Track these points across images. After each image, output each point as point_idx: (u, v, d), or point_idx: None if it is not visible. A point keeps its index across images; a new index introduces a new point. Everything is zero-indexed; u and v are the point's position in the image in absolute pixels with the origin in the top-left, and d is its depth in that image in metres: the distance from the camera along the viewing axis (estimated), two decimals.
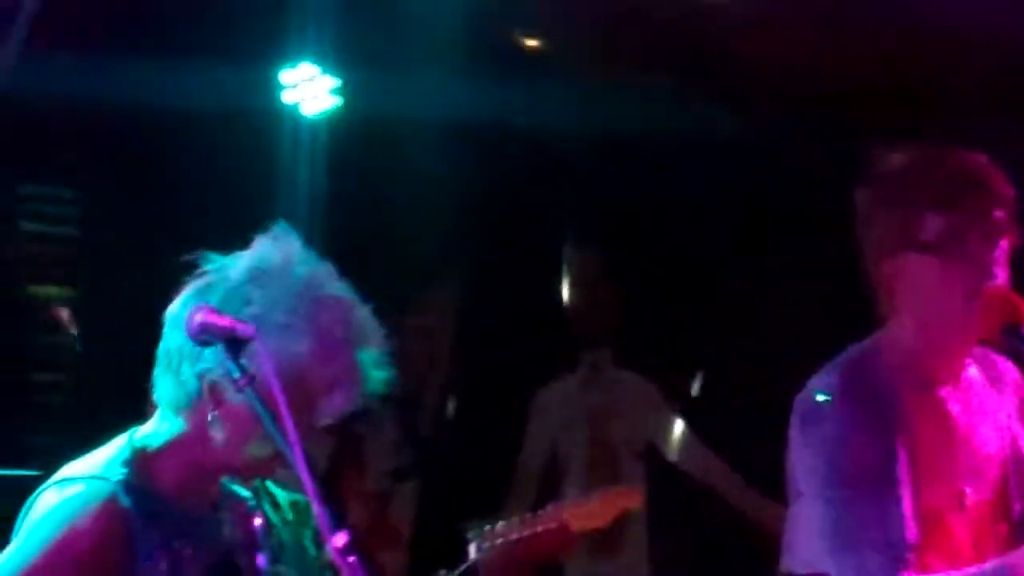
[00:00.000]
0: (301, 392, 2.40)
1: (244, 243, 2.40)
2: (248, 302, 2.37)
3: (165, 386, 2.49)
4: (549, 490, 4.67)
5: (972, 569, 2.87)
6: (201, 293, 2.38)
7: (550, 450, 4.89)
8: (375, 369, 2.45)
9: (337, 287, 2.44)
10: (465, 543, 3.41)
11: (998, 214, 2.87)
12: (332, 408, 2.45)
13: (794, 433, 2.97)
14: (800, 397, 2.95)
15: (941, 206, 2.82)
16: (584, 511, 3.43)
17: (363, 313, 2.44)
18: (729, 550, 5.01)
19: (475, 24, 4.68)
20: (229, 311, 2.31)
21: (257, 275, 2.41)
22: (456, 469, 4.82)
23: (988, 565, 2.89)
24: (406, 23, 4.76)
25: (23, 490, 2.75)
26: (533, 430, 4.94)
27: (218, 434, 2.47)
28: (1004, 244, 2.87)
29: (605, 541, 4.40)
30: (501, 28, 4.97)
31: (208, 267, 2.41)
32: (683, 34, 4.69)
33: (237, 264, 2.41)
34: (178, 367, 2.45)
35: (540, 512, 3.45)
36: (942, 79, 4.69)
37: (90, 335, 5.07)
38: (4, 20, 5.11)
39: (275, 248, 2.42)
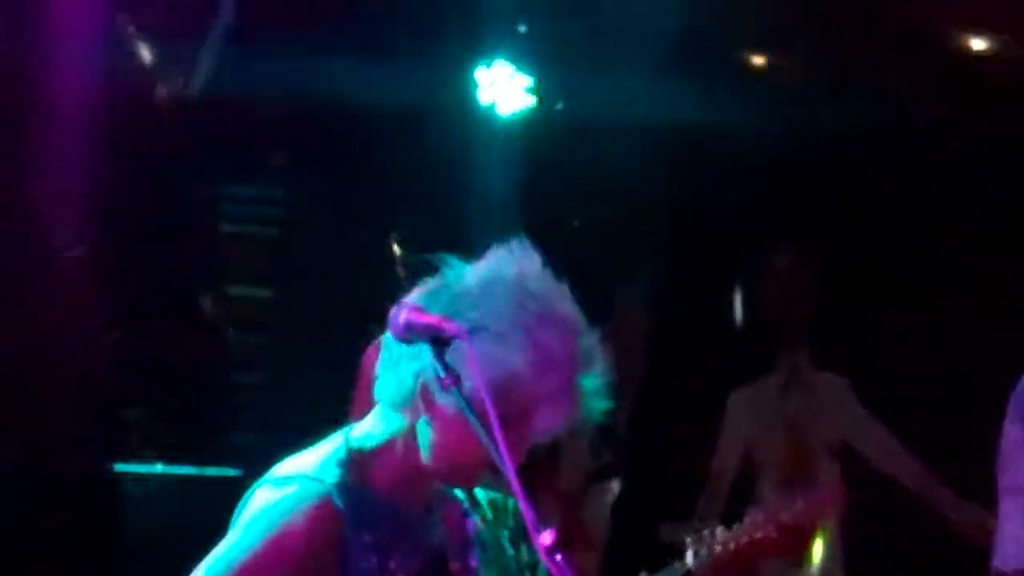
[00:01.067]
0: (510, 403, 2.41)
1: (442, 241, 2.44)
2: (473, 307, 2.40)
3: (386, 384, 2.54)
4: (741, 494, 4.74)
5: None
6: (431, 295, 2.41)
7: (745, 452, 4.97)
8: (595, 396, 2.48)
9: (568, 308, 2.46)
10: (681, 548, 3.27)
11: None
12: (543, 425, 2.47)
13: (1010, 427, 2.96)
14: (1019, 390, 2.95)
15: None
16: (791, 514, 3.52)
17: (590, 339, 2.45)
18: (924, 553, 5.04)
19: (672, 26, 4.81)
20: (451, 314, 2.34)
21: (487, 284, 2.44)
22: (650, 471, 4.90)
23: None
24: (601, 23, 4.89)
25: (225, 489, 3.04)
26: (728, 432, 5.04)
27: (427, 436, 2.52)
28: None
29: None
30: (713, 38, 5.14)
31: (444, 271, 2.45)
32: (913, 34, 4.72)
33: (471, 271, 2.45)
34: (397, 365, 2.49)
35: (753, 518, 3.31)
36: None
37: (288, 335, 5.22)
38: (204, 23, 5.42)
39: (511, 261, 2.45)
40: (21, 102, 4.98)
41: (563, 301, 2.49)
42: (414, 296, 2.41)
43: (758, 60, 5.50)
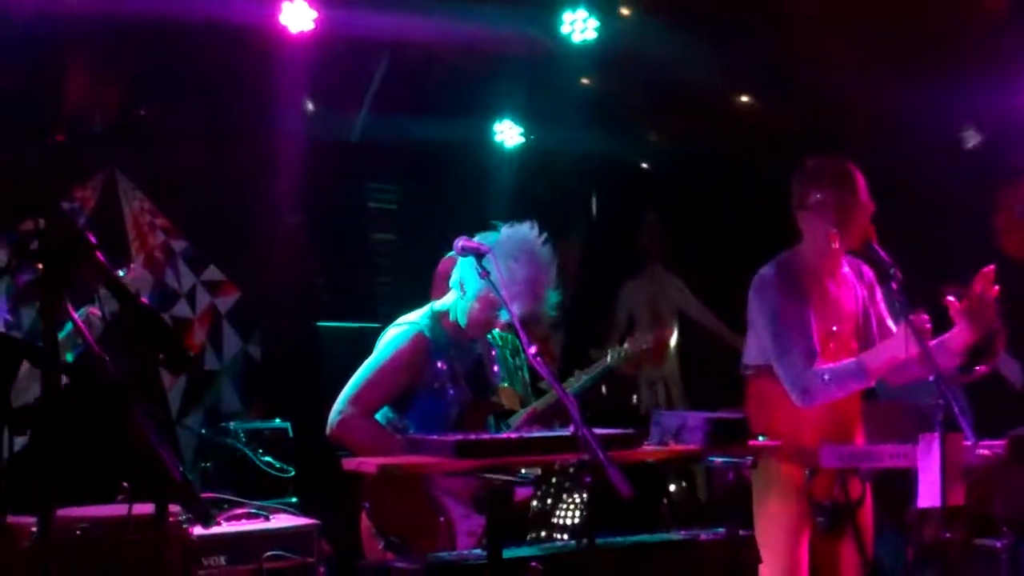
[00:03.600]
0: (517, 290, 3.95)
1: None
2: (496, 242, 4.00)
3: (456, 278, 4.25)
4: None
5: (839, 363, 4.17)
6: (480, 236, 4.01)
7: (628, 313, 7.96)
8: (552, 297, 4.10)
9: (542, 249, 4.10)
10: (602, 357, 5.15)
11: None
12: (531, 307, 4.03)
13: (752, 295, 4.34)
14: (755, 277, 4.32)
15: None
16: (654, 340, 5.57)
17: (552, 269, 4.06)
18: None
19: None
20: (486, 243, 3.88)
21: (506, 233, 4.10)
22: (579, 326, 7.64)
23: (849, 360, 4.18)
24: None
25: (370, 337, 4.34)
26: (621, 302, 7.98)
27: (472, 306, 4.19)
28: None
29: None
30: None
31: (496, 226, 4.13)
32: None
33: (506, 230, 4.14)
34: (459, 267, 4.20)
35: (634, 341, 5.31)
36: None
37: (401, 271, 7.79)
38: (359, 90, 7.43)
39: (520, 226, 4.14)
40: (261, 142, 7.12)
41: (540, 245, 4.10)
42: (475, 236, 4.00)
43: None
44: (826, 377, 4.12)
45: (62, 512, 3.74)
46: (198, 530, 4.19)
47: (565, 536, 6.49)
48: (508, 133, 7.98)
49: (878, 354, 4.13)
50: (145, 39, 6.53)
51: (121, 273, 4.68)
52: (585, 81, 7.29)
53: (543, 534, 6.51)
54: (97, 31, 6.49)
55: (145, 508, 3.24)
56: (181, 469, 2.74)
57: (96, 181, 7.30)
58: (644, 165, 8.16)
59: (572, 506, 6.61)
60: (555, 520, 6.68)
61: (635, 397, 7.79)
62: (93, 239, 2.93)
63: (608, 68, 7.25)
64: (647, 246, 8.21)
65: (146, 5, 6.23)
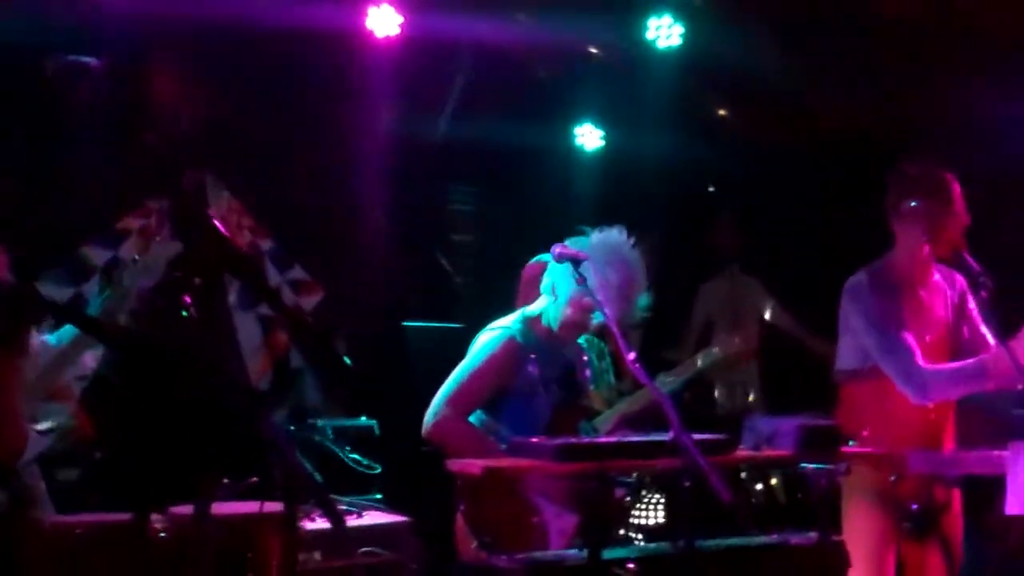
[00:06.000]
0: (612, 295, 4.04)
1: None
2: (590, 249, 4.10)
3: (548, 281, 4.32)
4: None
5: (959, 363, 4.25)
6: (572, 241, 4.10)
7: (707, 315, 8.02)
8: (642, 301, 4.23)
9: (633, 256, 4.20)
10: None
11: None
12: (624, 311, 4.11)
13: (846, 301, 4.41)
14: (848, 283, 4.40)
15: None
16: (737, 343, 5.60)
17: (642, 274, 4.18)
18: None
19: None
20: (580, 248, 4.03)
21: (598, 239, 4.21)
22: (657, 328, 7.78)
23: (970, 360, 4.23)
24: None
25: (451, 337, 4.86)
26: (699, 305, 8.07)
27: (565, 310, 4.23)
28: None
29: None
30: None
31: (583, 232, 4.21)
32: None
33: (597, 235, 4.25)
34: (553, 274, 4.25)
35: (722, 344, 5.47)
36: None
37: (482, 272, 7.88)
38: (442, 92, 7.39)
39: (611, 232, 4.26)
40: (346, 145, 7.22)
41: (631, 250, 4.20)
42: (565, 242, 4.11)
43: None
44: (945, 375, 4.17)
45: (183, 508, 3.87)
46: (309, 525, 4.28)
47: (641, 536, 6.53)
48: (589, 136, 8.08)
49: (1000, 359, 4.13)
50: (233, 41, 6.62)
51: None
52: (668, 85, 7.38)
53: (620, 533, 6.49)
54: (186, 33, 6.62)
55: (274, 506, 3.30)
56: (311, 470, 2.79)
57: (185, 182, 7.39)
58: (721, 168, 8.19)
59: (651, 506, 6.66)
60: (633, 520, 6.73)
61: (714, 398, 7.76)
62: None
63: (690, 72, 7.34)
64: (723, 247, 8.19)
65: (233, 8, 6.32)
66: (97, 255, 6.59)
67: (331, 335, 6.04)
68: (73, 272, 6.56)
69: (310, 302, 7.69)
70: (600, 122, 8.06)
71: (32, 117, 5.94)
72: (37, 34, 5.93)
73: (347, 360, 5.51)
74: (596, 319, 4.18)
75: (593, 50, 7.22)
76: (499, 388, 4.30)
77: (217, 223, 2.82)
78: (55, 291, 6.34)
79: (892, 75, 6.61)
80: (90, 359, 4.28)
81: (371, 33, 6.82)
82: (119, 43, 6.36)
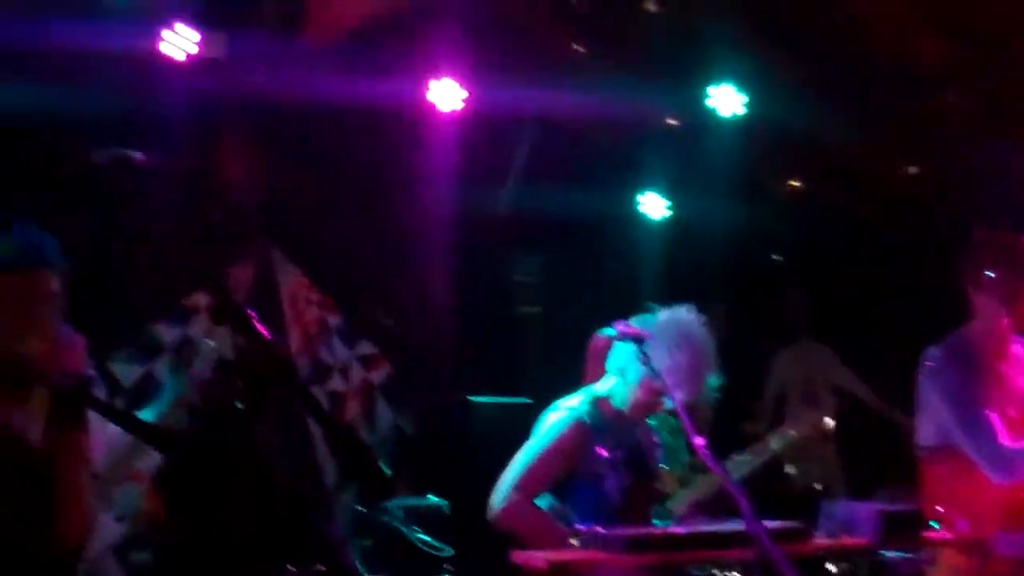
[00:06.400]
0: (681, 377, 3.97)
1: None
2: (656, 328, 4.08)
3: (615, 360, 4.24)
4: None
5: None
6: (638, 320, 4.06)
7: (780, 388, 7.87)
8: (712, 383, 4.17)
9: (703, 335, 4.15)
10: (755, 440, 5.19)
11: None
12: (694, 392, 4.06)
13: (924, 376, 4.31)
14: (925, 357, 4.28)
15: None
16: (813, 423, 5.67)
17: (712, 355, 4.12)
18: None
19: None
20: (644, 327, 3.96)
21: (665, 318, 4.17)
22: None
23: None
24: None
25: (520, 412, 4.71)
26: (773, 376, 7.92)
27: (634, 392, 4.19)
28: None
29: None
30: None
31: (651, 310, 4.15)
32: None
33: (665, 314, 4.20)
34: (618, 353, 4.20)
35: (796, 424, 5.34)
36: None
37: (548, 344, 7.76)
38: (506, 163, 7.53)
39: (680, 311, 4.21)
40: (411, 218, 7.32)
41: (700, 329, 4.13)
42: (630, 320, 4.08)
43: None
44: None
45: None
46: None
47: None
48: (653, 205, 8.12)
49: None
50: (297, 117, 6.69)
51: None
52: (731, 154, 7.38)
53: None
54: (252, 110, 6.74)
55: None
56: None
57: (253, 257, 7.47)
58: (787, 235, 8.21)
59: None
60: None
61: (787, 475, 7.61)
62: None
63: (754, 141, 7.35)
64: (793, 317, 8.09)
65: (298, 84, 6.40)
66: (166, 333, 6.60)
67: (369, 449, 5.81)
68: (143, 350, 6.61)
69: (379, 376, 7.72)
70: (665, 191, 8.09)
71: (98, 199, 6.06)
72: (99, 121, 6.09)
73: (386, 470, 5.32)
74: (667, 402, 4.06)
75: (656, 119, 7.29)
76: (567, 471, 4.23)
77: (258, 325, 2.75)
78: (126, 369, 6.37)
79: (961, 140, 6.64)
80: None
81: (433, 107, 6.88)
82: (186, 120, 6.44)
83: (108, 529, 4.24)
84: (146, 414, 4.46)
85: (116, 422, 3.10)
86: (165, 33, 6.25)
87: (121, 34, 6.07)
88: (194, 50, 6.30)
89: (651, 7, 6.41)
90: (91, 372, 3.37)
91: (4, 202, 5.68)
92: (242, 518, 3.28)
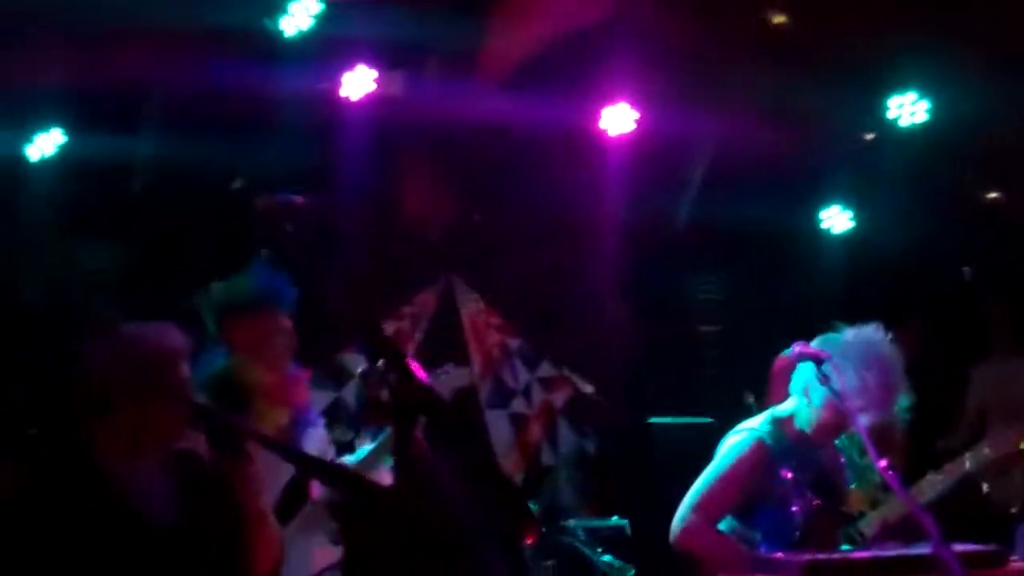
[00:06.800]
0: (869, 400, 3.82)
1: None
2: (837, 348, 3.96)
3: (798, 381, 4.12)
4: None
5: None
6: (819, 341, 3.99)
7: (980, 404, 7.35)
8: (902, 403, 4.03)
9: (890, 355, 3.98)
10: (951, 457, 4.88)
11: None
12: (882, 414, 3.91)
13: None
14: None
15: None
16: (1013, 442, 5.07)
17: (900, 375, 3.94)
18: None
19: None
20: (829, 347, 3.88)
21: (848, 338, 4.01)
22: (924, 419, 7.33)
23: None
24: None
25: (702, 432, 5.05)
26: (972, 394, 7.33)
27: (818, 413, 4.06)
28: None
29: None
30: None
31: (836, 328, 4.03)
32: None
33: (852, 334, 4.05)
34: (798, 373, 4.09)
35: (995, 442, 5.00)
36: None
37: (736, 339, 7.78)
38: (683, 180, 7.56)
39: (871, 331, 4.05)
40: (589, 240, 7.51)
41: (889, 349, 3.93)
42: (813, 340, 4.04)
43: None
44: None
45: None
46: None
47: None
48: (836, 219, 7.91)
49: None
50: (474, 145, 7.00)
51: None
52: (916, 163, 7.22)
53: None
54: (430, 144, 7.00)
55: None
56: None
57: (435, 287, 7.64)
58: (978, 245, 7.86)
59: None
60: None
61: (983, 494, 7.28)
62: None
63: (941, 148, 7.15)
64: (992, 329, 7.67)
65: (473, 116, 6.61)
66: (355, 362, 6.77)
67: (516, 486, 6.00)
68: (333, 376, 6.96)
69: (560, 398, 7.73)
70: (848, 203, 7.88)
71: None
72: (281, 163, 6.42)
73: (532, 507, 5.38)
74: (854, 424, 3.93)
75: (839, 132, 7.16)
76: (748, 494, 4.16)
77: (414, 365, 2.81)
78: (317, 395, 6.47)
79: None
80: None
81: (606, 132, 7.12)
82: (367, 153, 6.67)
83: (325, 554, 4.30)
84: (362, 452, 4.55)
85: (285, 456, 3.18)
86: (345, 76, 6.52)
87: (300, 77, 6.37)
88: (372, 88, 6.53)
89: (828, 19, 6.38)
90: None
91: (200, 249, 6.07)
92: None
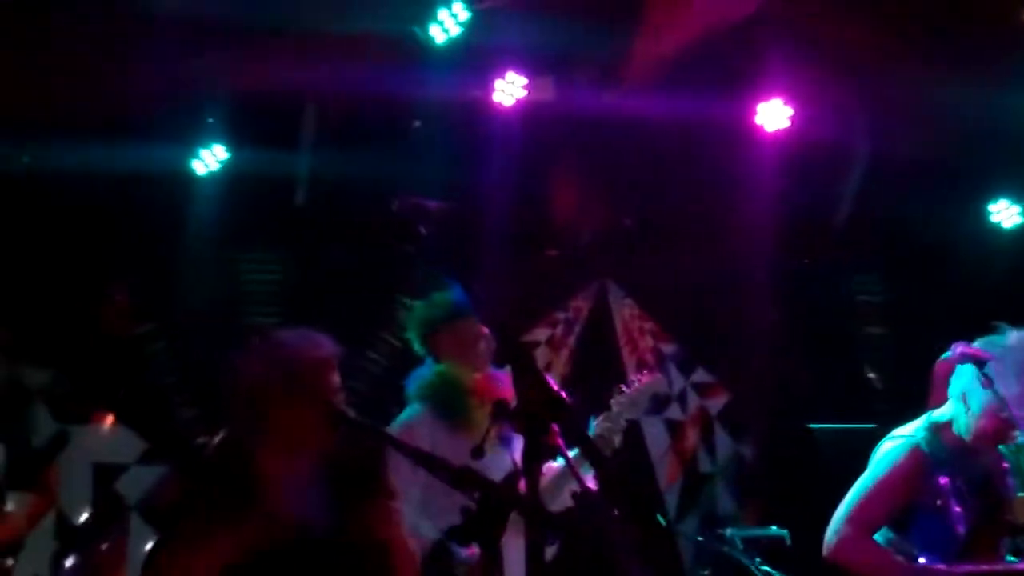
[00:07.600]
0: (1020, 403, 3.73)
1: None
2: (1010, 351, 3.81)
3: (956, 385, 4.00)
4: None
5: None
6: (982, 342, 3.86)
7: None
8: None
9: None
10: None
11: None
12: None
13: None
14: None
15: None
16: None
17: None
18: None
19: None
20: (991, 349, 3.75)
21: (1014, 339, 3.88)
22: None
23: None
24: None
25: (865, 438, 4.27)
26: None
27: (978, 420, 3.91)
28: None
29: None
30: None
31: (1000, 330, 3.90)
32: None
33: (1016, 336, 3.87)
34: (959, 375, 3.97)
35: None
36: None
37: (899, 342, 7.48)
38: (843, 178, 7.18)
39: None
40: (745, 241, 7.27)
41: None
42: (976, 341, 3.91)
43: None
44: None
45: None
46: None
47: None
48: (1005, 214, 7.62)
49: None
50: (624, 147, 6.85)
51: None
52: None
53: None
54: (580, 145, 6.92)
55: None
56: None
57: (588, 292, 7.64)
58: None
59: None
60: None
61: None
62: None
63: None
64: None
65: (624, 119, 6.53)
66: None
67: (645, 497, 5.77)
68: None
69: (716, 404, 7.64)
70: (1017, 198, 7.57)
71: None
72: (434, 169, 6.46)
73: (662, 519, 5.28)
74: (1019, 433, 3.86)
75: (1004, 123, 6.78)
76: (904, 503, 4.04)
77: (537, 366, 2.79)
78: None
79: None
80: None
81: (761, 128, 6.95)
82: (518, 160, 6.68)
83: None
84: None
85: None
86: (497, 82, 6.55)
87: (452, 84, 6.44)
88: (523, 95, 6.55)
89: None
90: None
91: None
92: None
